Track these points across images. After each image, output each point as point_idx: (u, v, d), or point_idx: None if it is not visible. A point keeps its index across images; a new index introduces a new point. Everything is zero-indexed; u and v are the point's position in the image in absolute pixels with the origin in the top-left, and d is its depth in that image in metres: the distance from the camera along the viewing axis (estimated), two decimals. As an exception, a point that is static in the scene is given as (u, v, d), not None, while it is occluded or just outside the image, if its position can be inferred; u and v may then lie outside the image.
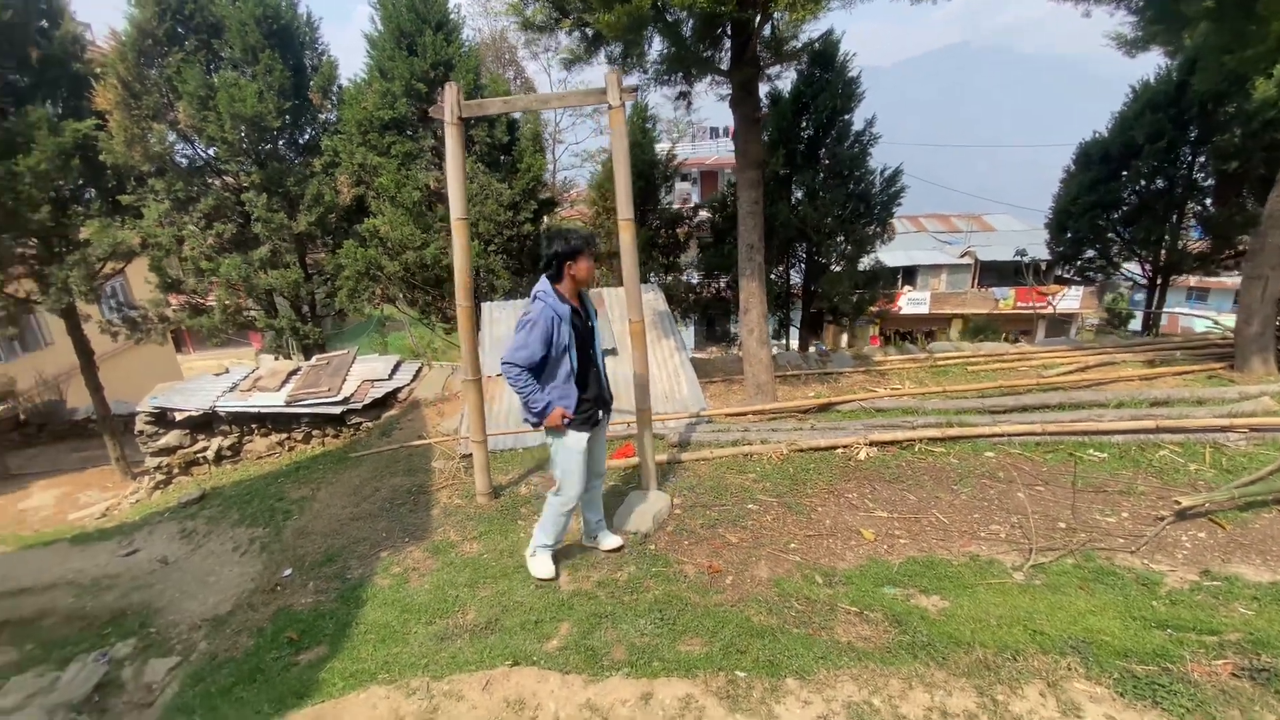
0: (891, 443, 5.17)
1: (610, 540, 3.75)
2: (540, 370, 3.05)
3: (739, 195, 6.04)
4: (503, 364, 2.98)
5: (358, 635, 3.27)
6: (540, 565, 3.49)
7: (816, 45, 5.52)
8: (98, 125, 7.66)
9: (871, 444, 5.13)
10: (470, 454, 5.16)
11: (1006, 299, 27.90)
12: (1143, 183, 8.89)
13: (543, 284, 3.07)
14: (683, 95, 6.90)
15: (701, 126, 31.77)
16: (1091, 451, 4.81)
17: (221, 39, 7.65)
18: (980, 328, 16.41)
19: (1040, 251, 11.99)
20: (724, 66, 6.04)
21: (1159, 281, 9.69)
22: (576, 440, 3.25)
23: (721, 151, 30.69)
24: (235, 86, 7.29)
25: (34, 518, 8.23)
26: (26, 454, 10.27)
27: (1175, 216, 8.93)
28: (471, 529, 4.32)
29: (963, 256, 28.52)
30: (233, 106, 7.16)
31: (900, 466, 4.90)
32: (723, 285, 10.23)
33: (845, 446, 5.16)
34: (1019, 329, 28.40)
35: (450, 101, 3.85)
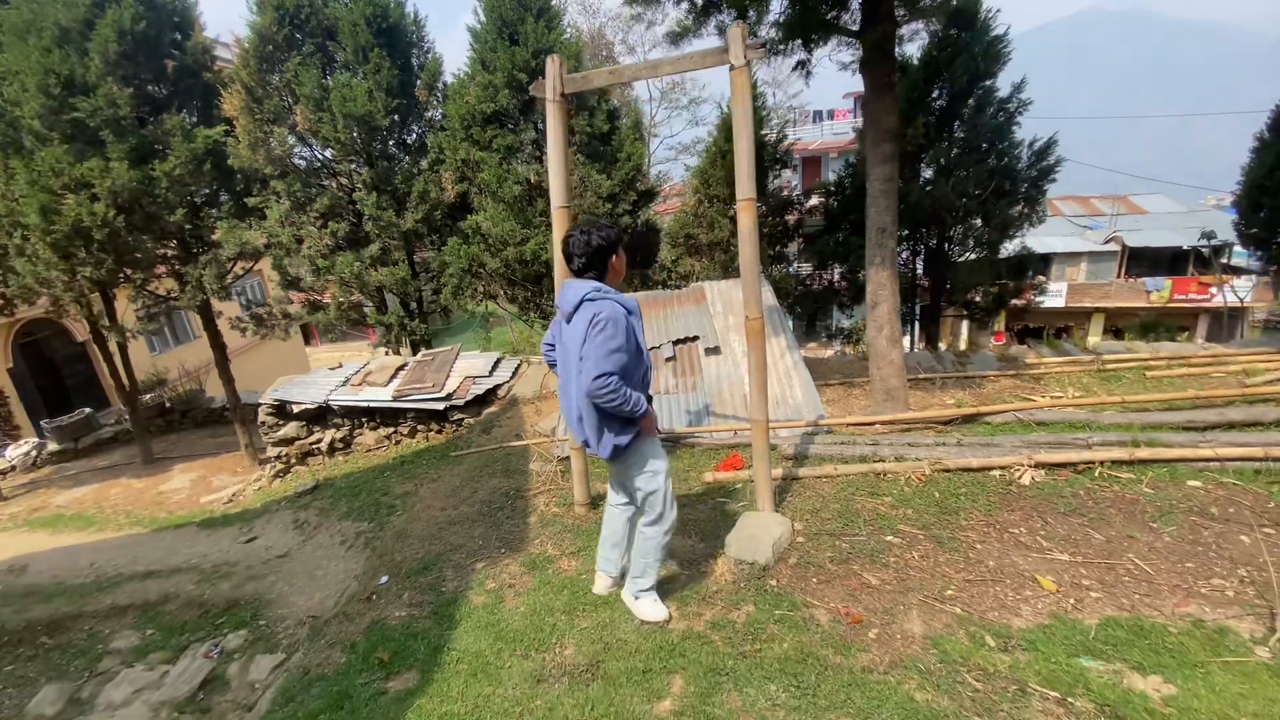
0: (1063, 465, 4.28)
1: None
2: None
3: (869, 172, 5.30)
4: (595, 379, 2.40)
5: (449, 664, 2.97)
6: (652, 608, 3.00)
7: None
8: (226, 131, 8.08)
9: (1037, 465, 4.27)
10: (568, 457, 4.84)
11: (1160, 291, 24.41)
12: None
13: (590, 284, 2.54)
14: (800, 65, 6.20)
15: (804, 110, 30.32)
16: (1348, 486, 3.72)
17: (335, 41, 7.86)
18: (1149, 325, 14.21)
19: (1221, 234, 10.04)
20: (853, 27, 5.32)
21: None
22: (663, 451, 2.81)
23: (826, 135, 29.12)
24: (347, 87, 7.42)
25: (171, 499, 8.89)
26: (169, 439, 11.26)
27: None
28: (569, 543, 3.96)
29: (1107, 242, 25.29)
30: (345, 106, 7.30)
31: (1077, 496, 4.02)
32: (836, 276, 9.38)
33: (1003, 468, 4.33)
34: (1176, 325, 24.81)
35: (552, 76, 3.46)
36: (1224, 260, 25.70)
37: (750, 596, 3.19)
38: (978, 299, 8.42)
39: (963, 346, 11.94)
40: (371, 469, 7.24)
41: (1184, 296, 24.13)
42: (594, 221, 2.83)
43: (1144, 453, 4.23)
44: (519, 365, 7.62)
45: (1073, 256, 25.32)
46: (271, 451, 8.22)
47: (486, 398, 7.30)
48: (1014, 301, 8.51)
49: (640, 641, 2.88)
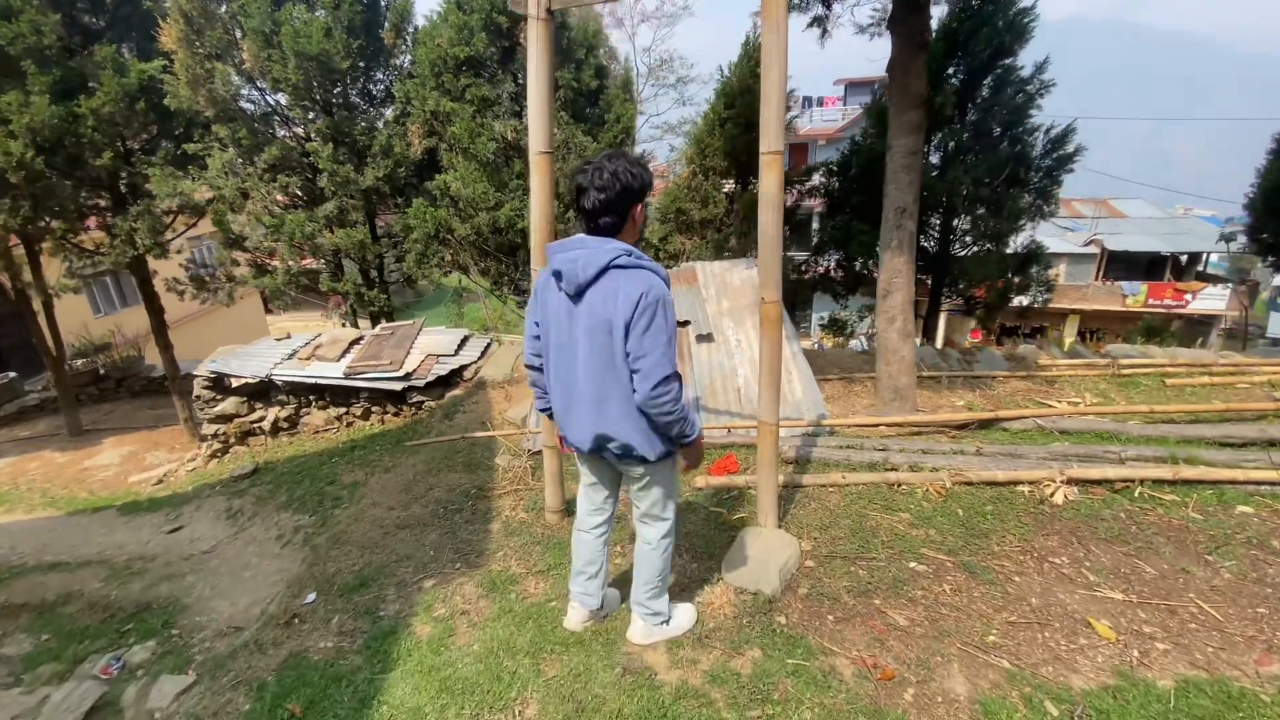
0: (1098, 482, 3.81)
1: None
2: None
3: (891, 144, 4.71)
4: (657, 387, 1.87)
5: (378, 723, 2.35)
6: (681, 620, 2.61)
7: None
8: (164, 67, 7.13)
9: (1070, 482, 3.79)
10: (539, 451, 4.22)
11: (1136, 295, 24.60)
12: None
13: (615, 243, 1.91)
14: (817, 22, 5.59)
15: (793, 96, 29.63)
16: None
17: (291, -31, 6.96)
18: (1154, 329, 14.07)
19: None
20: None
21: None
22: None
23: (816, 122, 28.52)
24: (301, 21, 6.53)
25: (95, 478, 8.04)
26: (102, 409, 10.29)
27: None
28: (537, 558, 3.34)
29: (1087, 245, 25.33)
30: (297, 43, 6.43)
31: (1118, 519, 3.55)
32: (832, 264, 8.83)
33: (1032, 483, 3.83)
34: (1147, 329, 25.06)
35: (536, -14, 2.77)
36: (1198, 269, 26.01)
37: (756, 637, 2.63)
38: (980, 294, 7.98)
39: (939, 344, 11.57)
40: (318, 453, 6.53)
41: (1159, 302, 24.34)
42: (617, 152, 2.00)
43: (1189, 472, 3.77)
44: (489, 344, 6.93)
45: (1054, 257, 25.30)
46: (208, 429, 7.43)
47: (450, 379, 6.61)
48: (1022, 298, 8.10)
49: (623, 701, 2.30)
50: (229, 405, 7.23)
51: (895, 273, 4.92)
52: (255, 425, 7.19)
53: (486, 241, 7.58)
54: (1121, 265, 25.31)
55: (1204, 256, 25.73)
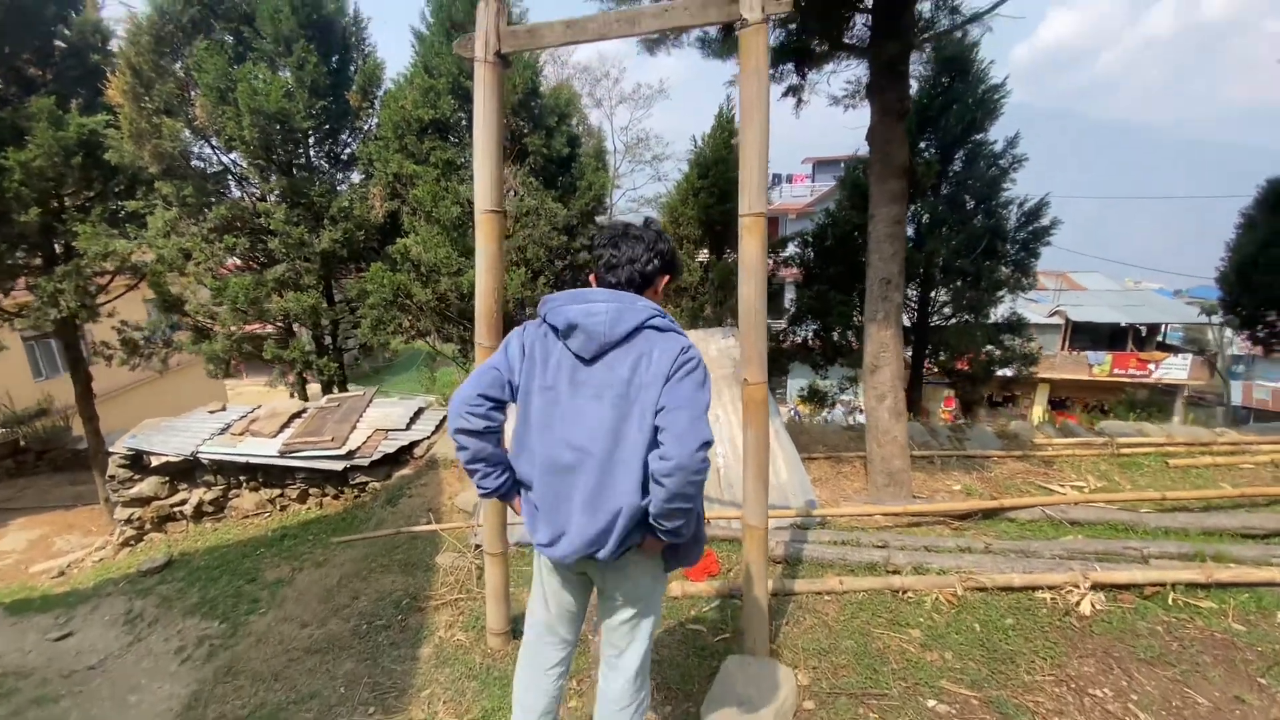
0: (1126, 587, 3.34)
1: None
2: None
3: (873, 213, 4.46)
4: (700, 450, 1.49)
5: None
6: None
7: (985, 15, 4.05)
8: (108, 122, 6.76)
9: (1095, 587, 3.32)
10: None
11: (1102, 364, 25.08)
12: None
13: (648, 303, 1.61)
14: (792, 91, 5.45)
15: (764, 172, 30.70)
16: None
17: (255, 29, 6.73)
18: (1139, 403, 14.04)
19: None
20: (850, 42, 4.59)
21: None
22: None
23: (785, 198, 29.41)
24: (258, 79, 6.25)
25: (-12, 568, 7.06)
26: (17, 485, 9.28)
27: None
28: (473, 699, 2.70)
29: (1051, 315, 25.96)
30: (253, 100, 6.11)
31: (1155, 633, 3.07)
32: (810, 334, 8.57)
33: (1053, 588, 3.35)
34: (1115, 399, 25.47)
35: (486, 28, 2.44)
36: (1159, 339, 26.78)
37: (746, 821, 2.02)
38: (963, 365, 7.73)
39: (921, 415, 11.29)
40: (243, 543, 5.77)
41: (1123, 371, 24.79)
42: (650, 220, 1.77)
43: (1222, 574, 3.34)
44: (445, 417, 6.35)
45: (1024, 327, 25.83)
46: (121, 514, 6.60)
47: (400, 456, 5.98)
48: (1005, 370, 7.88)
49: None
50: (147, 486, 6.44)
51: (882, 346, 4.58)
52: (176, 509, 6.40)
53: (449, 307, 7.14)
54: (1086, 335, 25.92)
55: (1163, 327, 26.53)
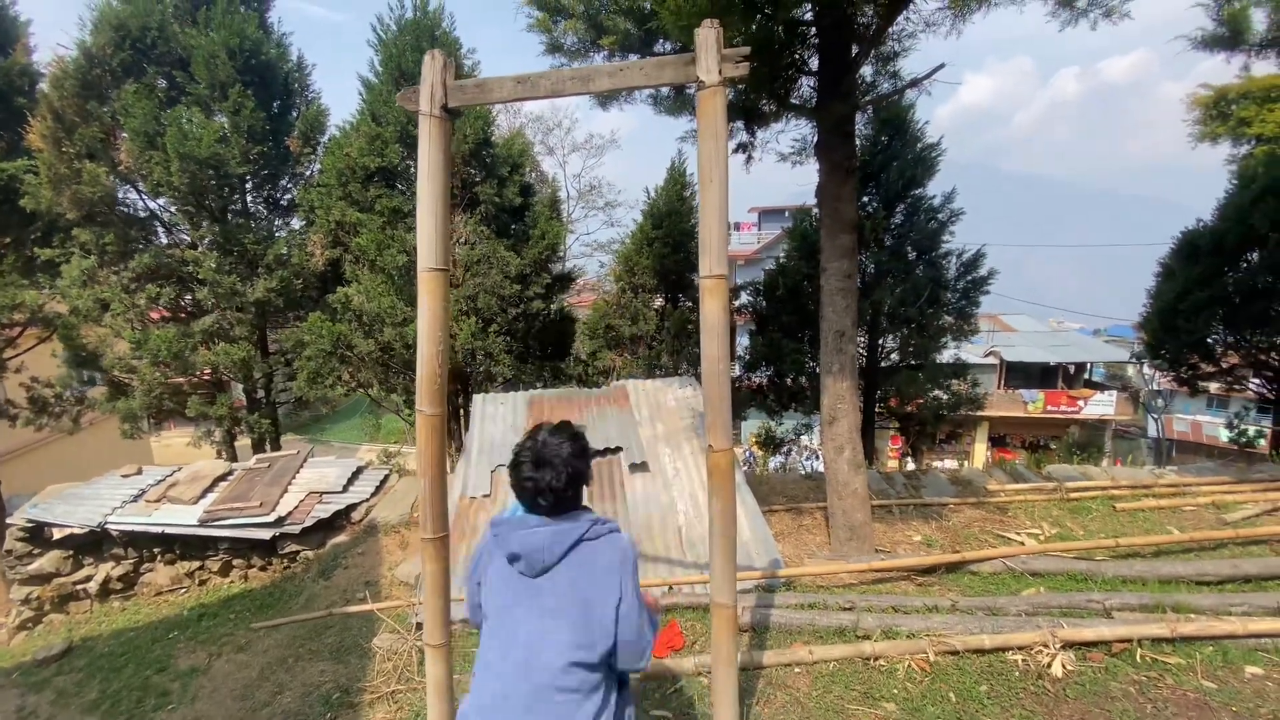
0: (1094, 644, 3.29)
1: None
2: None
3: (825, 267, 4.50)
4: (646, 648, 1.73)
5: None
6: None
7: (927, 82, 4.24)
8: (29, 168, 6.30)
9: (1065, 645, 3.25)
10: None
11: (1035, 402, 26.34)
12: (1270, 278, 7.49)
13: (578, 515, 1.75)
14: (742, 148, 5.55)
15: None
16: None
17: (189, 73, 6.45)
18: (1082, 444, 14.56)
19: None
20: (797, 103, 4.71)
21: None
22: None
23: (734, 245, 30.22)
24: (189, 123, 5.96)
25: None
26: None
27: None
28: (413, 814, 2.37)
29: (986, 356, 27.20)
30: (183, 145, 5.79)
31: (1128, 694, 3.01)
32: (765, 380, 8.60)
33: (1022, 648, 3.27)
34: (1049, 434, 26.70)
35: (431, 81, 2.33)
36: (1085, 377, 28.35)
37: None
38: (913, 410, 7.86)
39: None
40: (155, 624, 5.21)
41: (1055, 408, 26.03)
42: (549, 430, 1.80)
43: (1186, 628, 3.32)
44: (385, 477, 5.97)
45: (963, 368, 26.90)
46: (17, 594, 5.91)
47: (335, 521, 5.55)
48: (953, 415, 8.05)
49: None
50: (48, 562, 5.80)
51: (839, 398, 4.56)
52: (79, 587, 5.75)
53: (394, 358, 6.81)
54: (1019, 374, 27.18)
55: (1088, 366, 28.10)
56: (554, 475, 1.71)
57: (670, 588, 3.98)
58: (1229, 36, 5.15)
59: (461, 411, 7.28)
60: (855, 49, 4.18)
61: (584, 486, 1.79)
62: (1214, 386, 8.81)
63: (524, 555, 1.68)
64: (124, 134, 6.26)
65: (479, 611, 1.79)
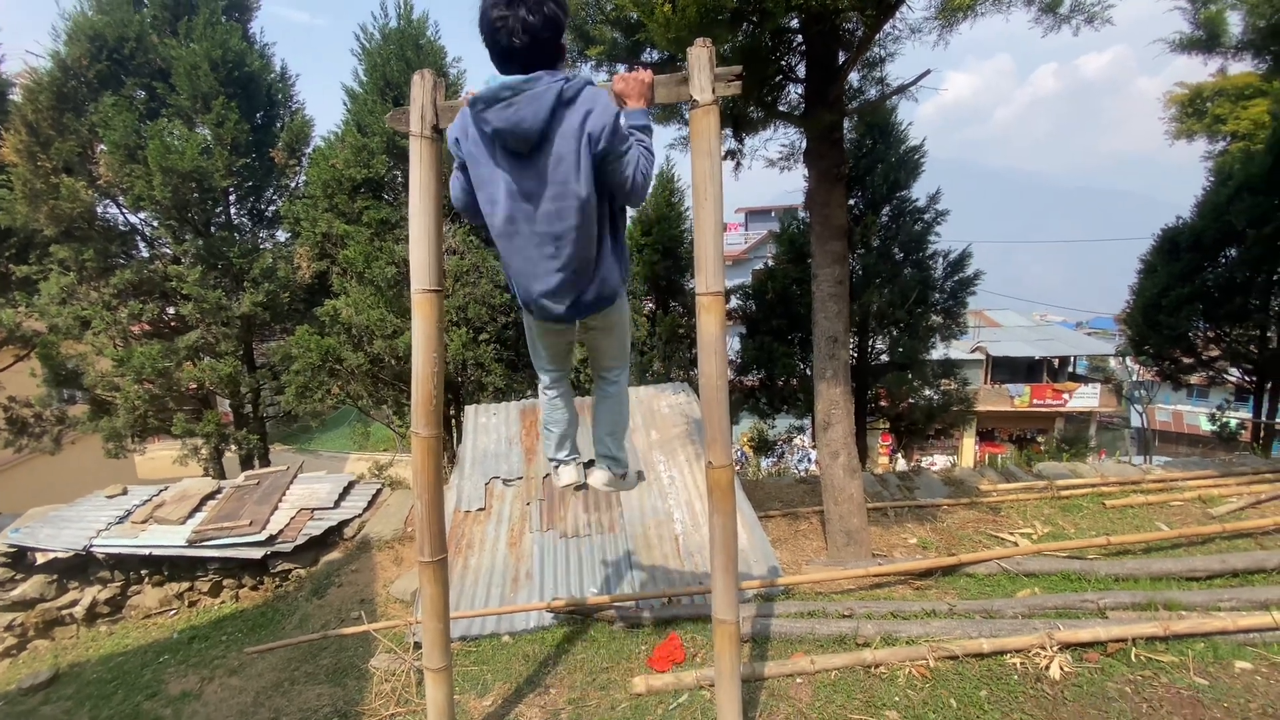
0: (1090, 645, 3.33)
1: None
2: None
3: (816, 273, 4.52)
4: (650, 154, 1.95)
5: None
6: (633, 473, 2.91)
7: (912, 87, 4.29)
8: (2, 183, 6.18)
9: (1061, 647, 3.29)
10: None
11: (1022, 396, 26.68)
12: (1248, 272, 7.63)
13: (553, 75, 1.71)
14: (731, 155, 5.56)
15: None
16: None
17: (169, 84, 6.35)
18: (1070, 440, 14.74)
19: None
20: (785, 110, 4.73)
21: (1268, 386, 8.24)
22: None
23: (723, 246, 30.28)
24: (170, 135, 5.87)
25: None
26: None
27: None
28: (417, 842, 2.34)
29: (973, 351, 27.49)
30: (166, 159, 5.70)
31: (1125, 694, 3.03)
32: (756, 383, 8.62)
33: (1020, 651, 3.30)
34: (1035, 427, 27.07)
35: (421, 101, 2.30)
36: (1070, 370, 28.74)
37: None
38: (913, 412, 7.92)
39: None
40: (144, 648, 5.10)
41: (1041, 401, 26.37)
42: None
43: (1179, 625, 3.37)
44: (378, 492, 5.91)
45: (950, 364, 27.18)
46: (1, 619, 5.74)
47: (327, 538, 5.48)
48: (944, 416, 8.13)
49: None
50: (31, 587, 5.67)
51: (833, 404, 4.58)
52: (65, 612, 5.62)
53: (384, 370, 6.75)
54: (1005, 369, 27.50)
55: (1072, 359, 28.51)
56: (528, 9, 1.57)
57: (669, 600, 3.98)
58: (1206, 39, 5.25)
59: (453, 422, 7.22)
60: (842, 57, 4.20)
61: (562, 39, 1.75)
62: (1195, 378, 8.96)
63: (507, 126, 1.68)
64: (103, 147, 6.15)
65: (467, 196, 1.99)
